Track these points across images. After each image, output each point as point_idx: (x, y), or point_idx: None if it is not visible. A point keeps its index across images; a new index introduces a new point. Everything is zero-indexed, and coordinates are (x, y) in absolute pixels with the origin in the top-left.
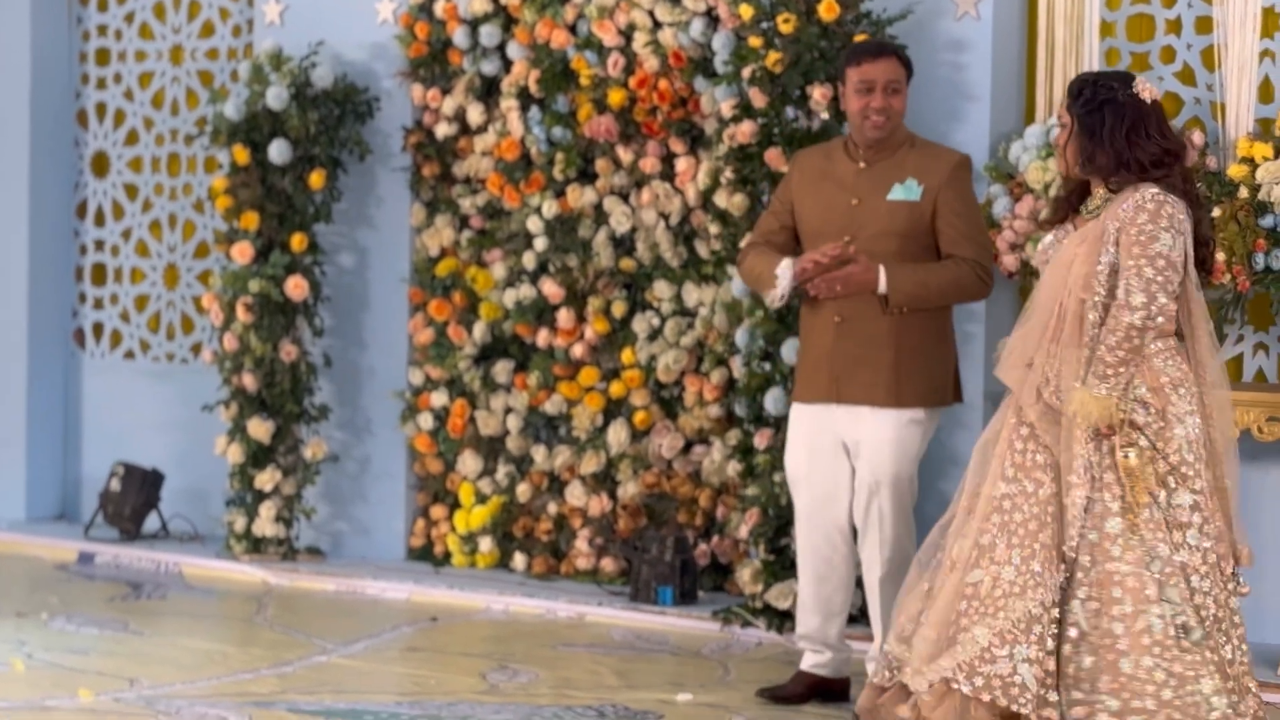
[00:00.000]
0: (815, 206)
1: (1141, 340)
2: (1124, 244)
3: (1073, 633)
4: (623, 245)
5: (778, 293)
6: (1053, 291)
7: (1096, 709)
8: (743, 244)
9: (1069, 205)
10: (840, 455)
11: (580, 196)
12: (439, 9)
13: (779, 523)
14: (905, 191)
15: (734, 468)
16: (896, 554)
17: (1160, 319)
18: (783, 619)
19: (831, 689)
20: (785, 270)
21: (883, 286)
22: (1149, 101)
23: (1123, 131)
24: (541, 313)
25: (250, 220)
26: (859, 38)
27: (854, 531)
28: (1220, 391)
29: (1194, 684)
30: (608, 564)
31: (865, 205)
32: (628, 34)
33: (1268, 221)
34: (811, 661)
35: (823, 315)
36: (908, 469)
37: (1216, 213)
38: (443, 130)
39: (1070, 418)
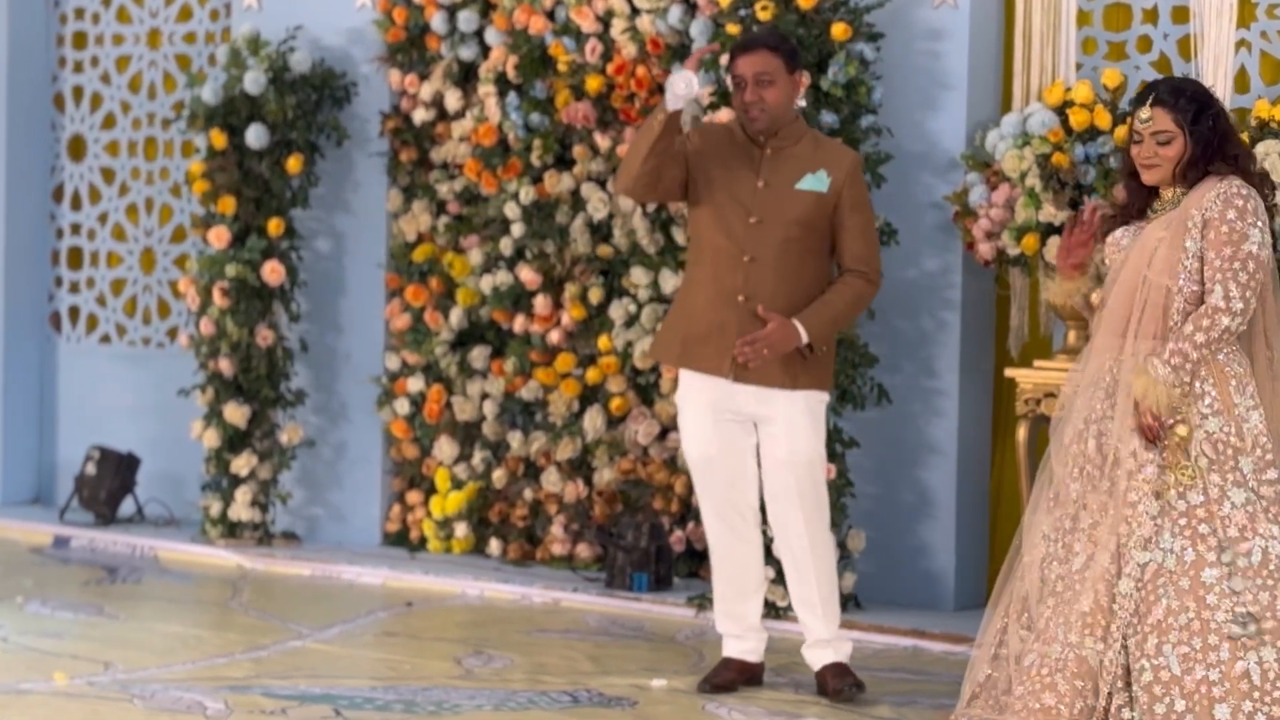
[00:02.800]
0: (716, 185)
1: (1226, 343)
2: (1213, 240)
3: (1164, 675)
4: (600, 231)
5: (682, 95)
6: (1134, 276)
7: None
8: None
9: (1135, 211)
10: (746, 433)
11: (558, 182)
12: None
13: None
14: (815, 182)
15: None
16: (822, 531)
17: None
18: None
19: (754, 673)
20: (678, 78)
21: (804, 338)
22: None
23: (1229, 137)
24: (518, 299)
25: (227, 205)
26: (837, 26)
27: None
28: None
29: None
30: (583, 550)
31: (772, 189)
32: (606, 20)
33: None
34: (737, 648)
35: (723, 291)
36: (822, 448)
37: None
38: (420, 116)
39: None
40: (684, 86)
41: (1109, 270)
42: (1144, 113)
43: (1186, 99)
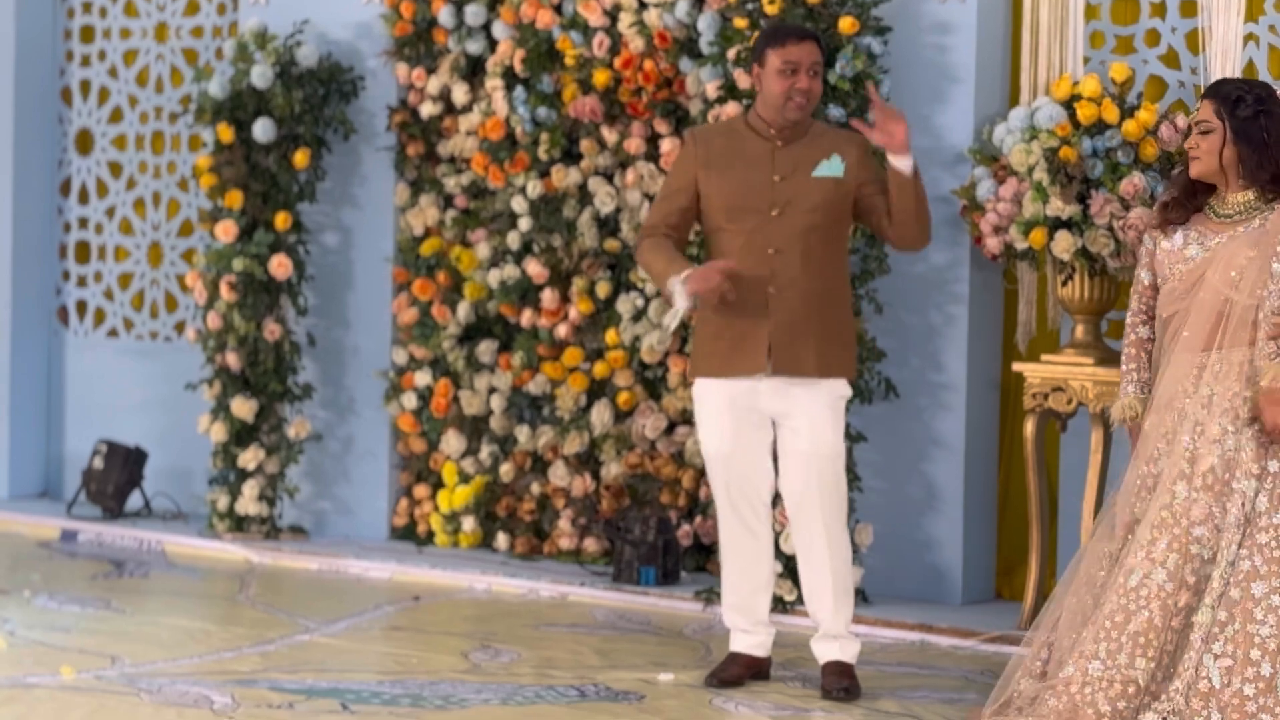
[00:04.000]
0: (730, 183)
1: None
2: None
3: (1203, 685)
4: (607, 226)
5: (675, 313)
6: (1214, 293)
7: None
8: (640, 232)
9: (1190, 207)
10: (763, 429)
11: (565, 177)
12: None
13: None
14: (830, 168)
15: None
16: (839, 526)
17: None
18: None
19: (761, 668)
20: (679, 292)
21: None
22: None
23: (1275, 134)
24: (525, 293)
25: (234, 199)
26: (844, 19)
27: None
28: None
29: None
30: (590, 544)
31: (790, 181)
32: (613, 14)
33: None
34: (745, 643)
35: (751, 288)
36: (842, 441)
37: None
38: (427, 110)
39: (1256, 401)
40: (678, 301)
41: (1169, 276)
42: (1198, 104)
43: (1231, 90)
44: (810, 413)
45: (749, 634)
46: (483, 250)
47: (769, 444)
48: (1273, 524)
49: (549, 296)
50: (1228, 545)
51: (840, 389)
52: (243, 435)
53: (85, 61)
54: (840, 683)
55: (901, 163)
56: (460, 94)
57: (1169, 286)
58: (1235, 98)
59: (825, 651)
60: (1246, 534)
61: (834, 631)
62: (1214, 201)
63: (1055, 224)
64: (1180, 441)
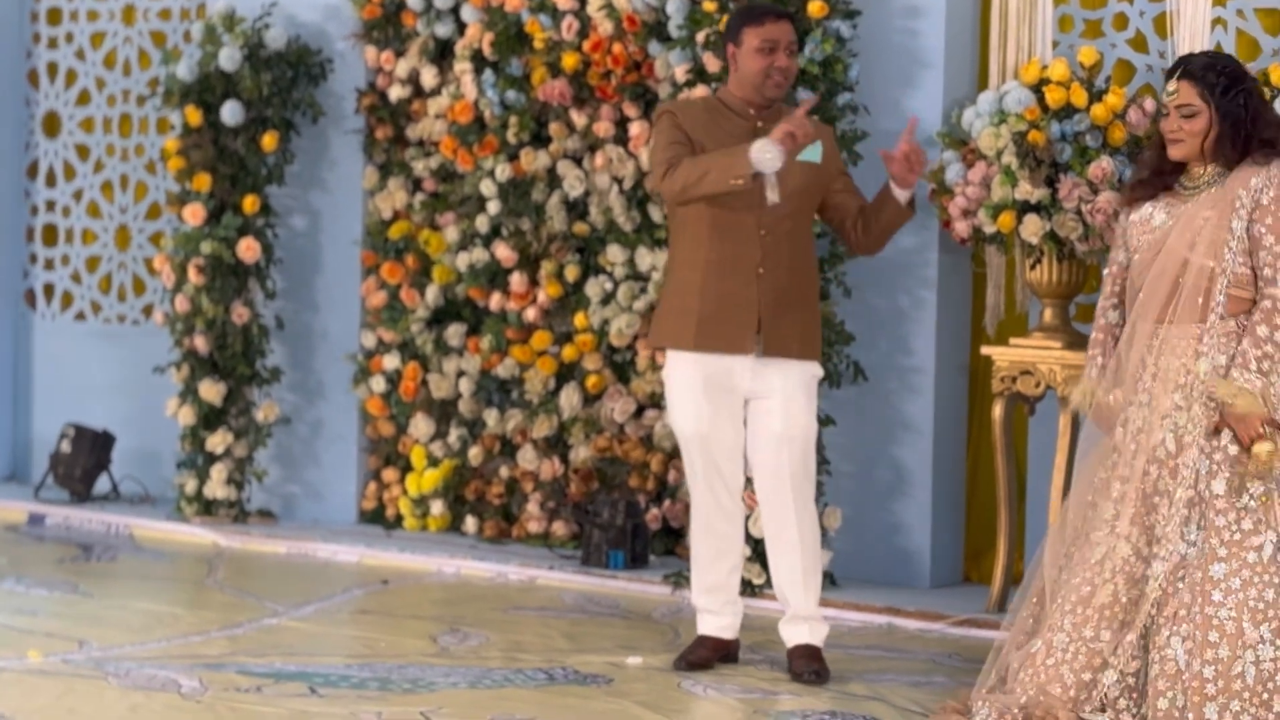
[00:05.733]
0: None
1: None
2: (1270, 225)
3: (1169, 668)
4: (576, 209)
5: (771, 170)
6: (1176, 257)
7: None
8: (659, 166)
9: (1159, 184)
10: (737, 409)
11: (533, 160)
12: None
13: None
14: (812, 153)
15: None
16: (809, 508)
17: None
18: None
19: (729, 650)
20: (769, 150)
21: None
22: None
23: (1262, 115)
24: (494, 276)
25: (202, 182)
26: (813, 3)
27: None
28: None
29: None
30: (559, 528)
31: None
32: None
33: None
34: (713, 626)
35: (741, 268)
36: (815, 423)
37: None
38: (396, 93)
39: (1213, 404)
40: (771, 159)
41: (1138, 248)
42: (1170, 86)
43: (1215, 73)
44: (785, 393)
45: (717, 616)
46: (451, 234)
47: (742, 422)
48: (1231, 505)
49: (518, 280)
50: (1171, 519)
51: (813, 370)
52: (211, 419)
53: (52, 44)
54: (810, 666)
55: (902, 194)
56: (429, 77)
57: (1138, 258)
58: (1215, 79)
59: (794, 635)
60: (1203, 514)
61: (803, 613)
62: (1182, 177)
63: (1024, 208)
64: (1138, 415)
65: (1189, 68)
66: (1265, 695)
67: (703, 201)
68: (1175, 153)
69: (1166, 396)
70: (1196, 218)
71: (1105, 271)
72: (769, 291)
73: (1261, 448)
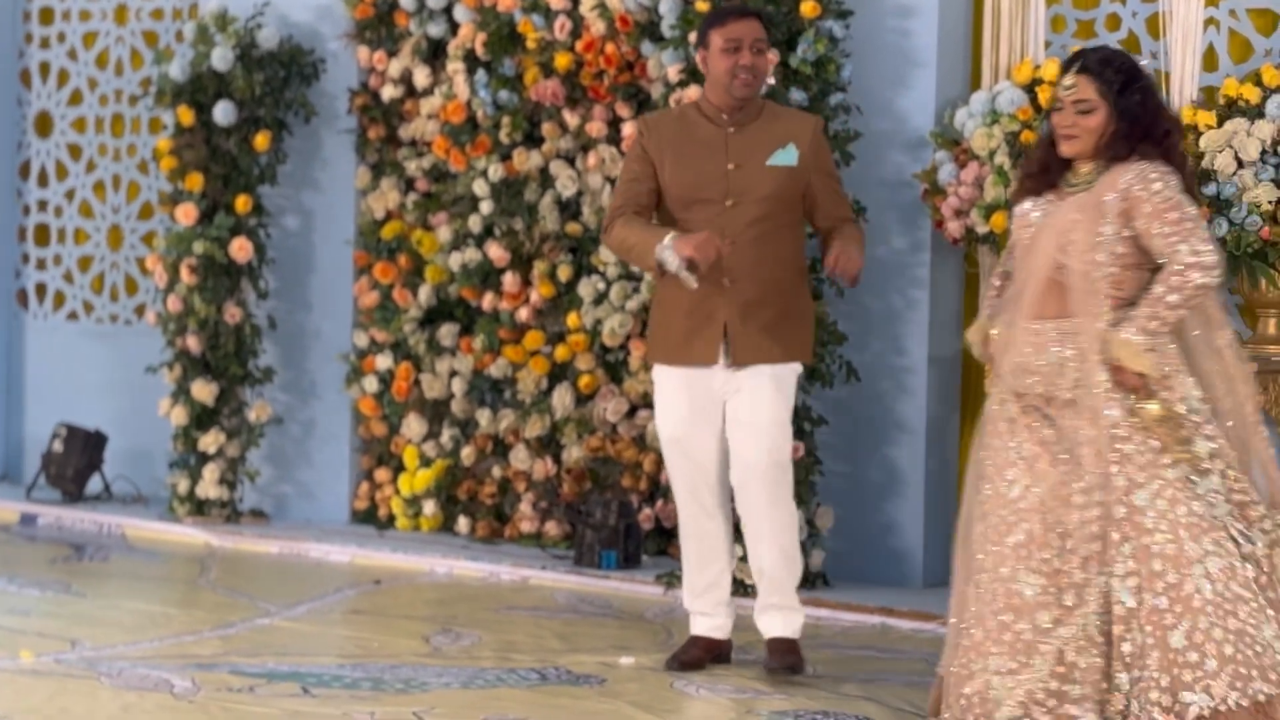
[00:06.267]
0: (685, 172)
1: (1202, 301)
2: (1151, 213)
3: (1119, 610)
4: (568, 209)
5: (677, 275)
6: (1046, 258)
7: (1149, 688)
8: (606, 216)
9: (1046, 181)
10: (718, 412)
11: (526, 160)
12: None
13: None
14: (786, 156)
15: None
16: (782, 493)
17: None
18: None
19: (722, 650)
20: (669, 252)
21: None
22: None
23: (1159, 113)
24: (487, 276)
25: (195, 182)
26: (806, 3)
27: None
28: (1235, 361)
29: (1256, 633)
30: (551, 528)
31: (744, 170)
32: None
33: (1211, 190)
34: (705, 626)
35: (709, 280)
36: (785, 414)
37: None
38: (388, 93)
39: (1110, 364)
40: (670, 260)
41: (1018, 242)
42: (1068, 79)
43: (1114, 69)
44: (754, 386)
45: (709, 617)
46: (444, 234)
47: (723, 426)
48: (1133, 428)
49: (510, 280)
50: (1084, 456)
51: (790, 367)
52: (203, 419)
53: (45, 44)
54: (785, 660)
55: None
56: (421, 77)
57: (1017, 253)
58: (1113, 76)
59: (769, 626)
60: (1111, 448)
61: (774, 601)
62: (1068, 174)
63: None
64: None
65: (1087, 62)
66: (1228, 605)
67: (671, 213)
68: (1068, 149)
69: (1052, 384)
70: (1065, 219)
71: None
72: (735, 301)
73: (1151, 408)
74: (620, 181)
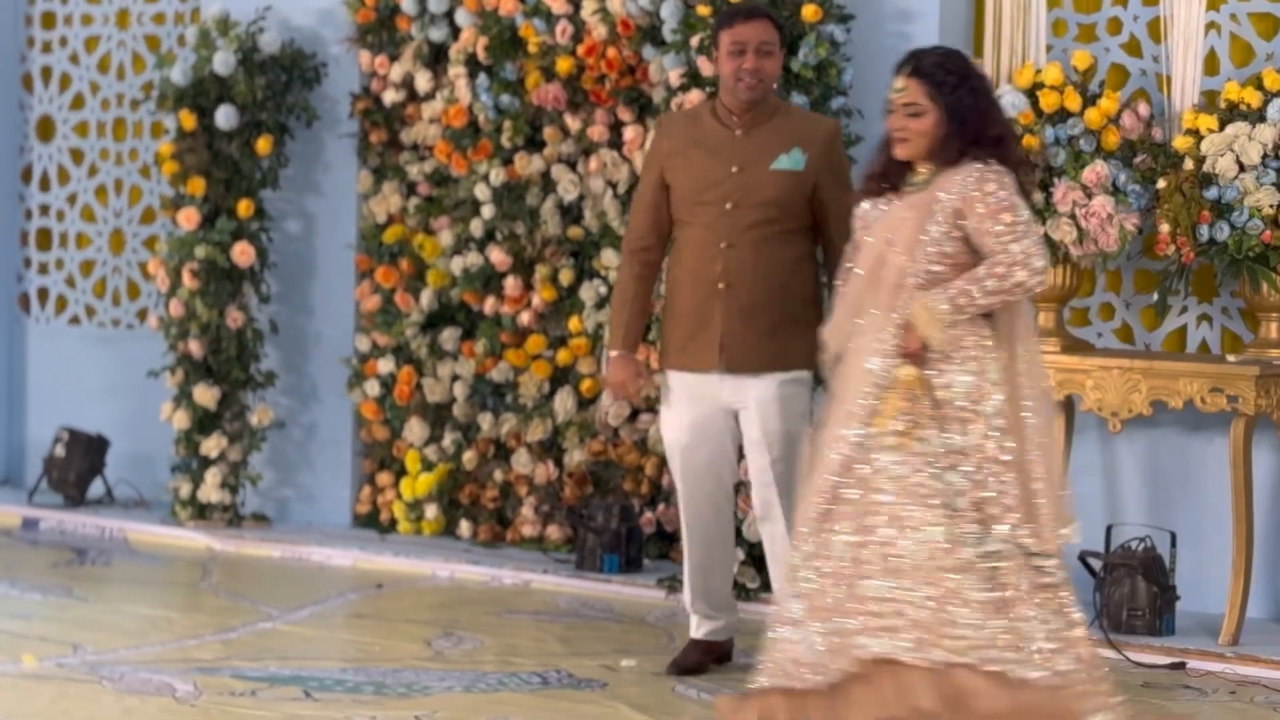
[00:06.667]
0: (689, 174)
1: (1015, 299)
2: (984, 214)
3: (829, 567)
4: (570, 213)
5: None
6: (874, 255)
7: (847, 636)
8: (626, 234)
9: (886, 183)
10: (725, 420)
11: (528, 164)
12: None
13: None
14: (790, 161)
15: None
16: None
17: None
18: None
19: (723, 653)
20: (605, 367)
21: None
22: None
23: (989, 114)
24: (489, 280)
25: (197, 186)
26: (807, 7)
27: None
28: (1036, 371)
29: (951, 609)
30: (553, 532)
31: (747, 173)
32: (576, 2)
33: (1212, 193)
34: (706, 630)
35: (703, 282)
36: (797, 426)
37: (1161, 184)
38: (390, 97)
39: (901, 326)
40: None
41: (859, 241)
42: (898, 83)
43: (945, 71)
44: (760, 401)
45: (710, 619)
46: (446, 238)
47: (731, 432)
48: (890, 397)
49: (512, 284)
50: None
51: (796, 375)
52: (205, 423)
53: (46, 48)
54: None
55: None
56: (423, 81)
57: (858, 251)
58: (943, 77)
59: None
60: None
61: None
62: (909, 175)
63: None
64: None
65: (918, 65)
66: (933, 576)
67: (677, 213)
68: (900, 151)
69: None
70: (895, 216)
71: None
72: (732, 306)
73: (908, 371)
74: (637, 191)
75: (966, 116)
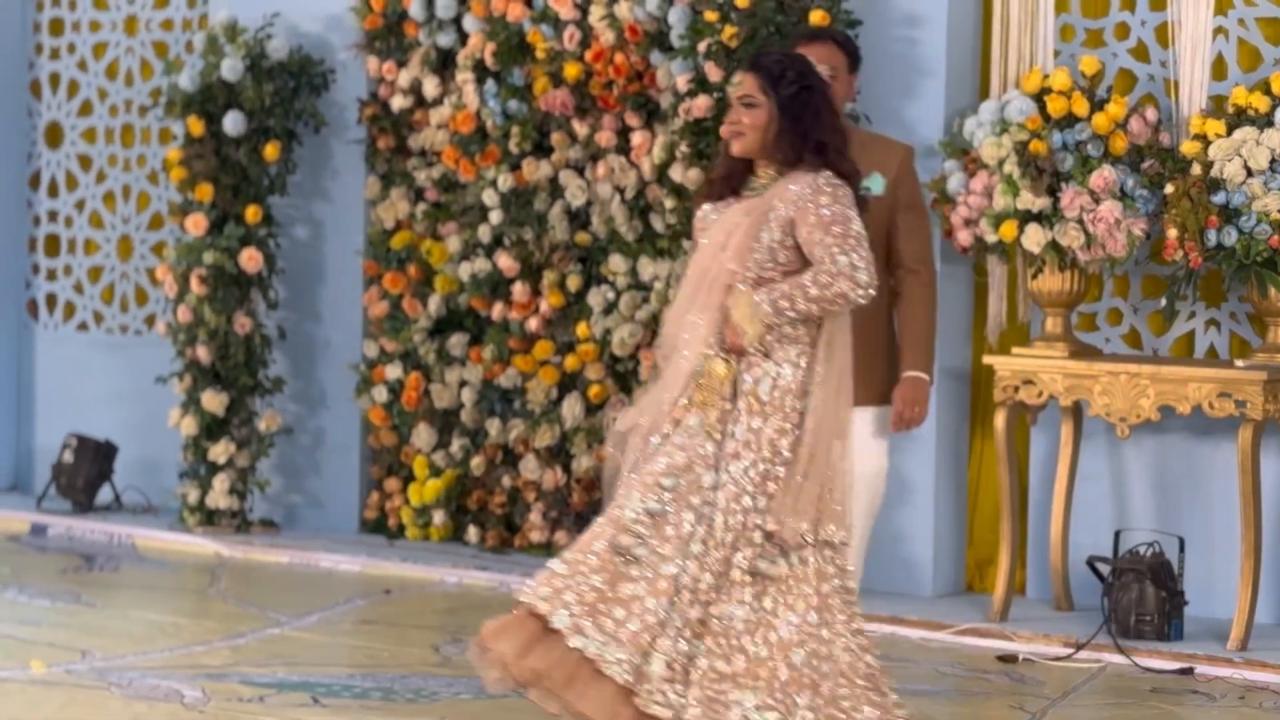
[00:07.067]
0: None
1: (837, 310)
2: (815, 224)
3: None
4: (578, 219)
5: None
6: (709, 257)
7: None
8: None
9: (728, 186)
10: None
11: (536, 170)
12: None
13: None
14: (872, 185)
15: None
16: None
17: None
18: None
19: None
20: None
21: (927, 379)
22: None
23: (822, 117)
24: (496, 286)
25: (205, 192)
26: (815, 12)
27: None
28: (846, 383)
29: (634, 605)
30: (561, 537)
31: None
32: (584, 7)
33: (1220, 198)
34: None
35: None
36: (885, 462)
37: (1169, 189)
38: (398, 103)
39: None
40: None
41: (698, 241)
42: (736, 78)
43: (781, 69)
44: (857, 433)
45: None
46: (453, 243)
47: None
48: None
49: (520, 289)
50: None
51: (882, 411)
52: (213, 429)
53: (55, 54)
54: None
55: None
56: (431, 87)
57: (695, 249)
58: (779, 73)
59: None
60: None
61: None
62: (750, 178)
63: (1026, 217)
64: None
65: (754, 62)
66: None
67: None
68: (736, 147)
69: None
70: (731, 220)
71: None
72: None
73: (717, 366)
74: None
75: (799, 114)
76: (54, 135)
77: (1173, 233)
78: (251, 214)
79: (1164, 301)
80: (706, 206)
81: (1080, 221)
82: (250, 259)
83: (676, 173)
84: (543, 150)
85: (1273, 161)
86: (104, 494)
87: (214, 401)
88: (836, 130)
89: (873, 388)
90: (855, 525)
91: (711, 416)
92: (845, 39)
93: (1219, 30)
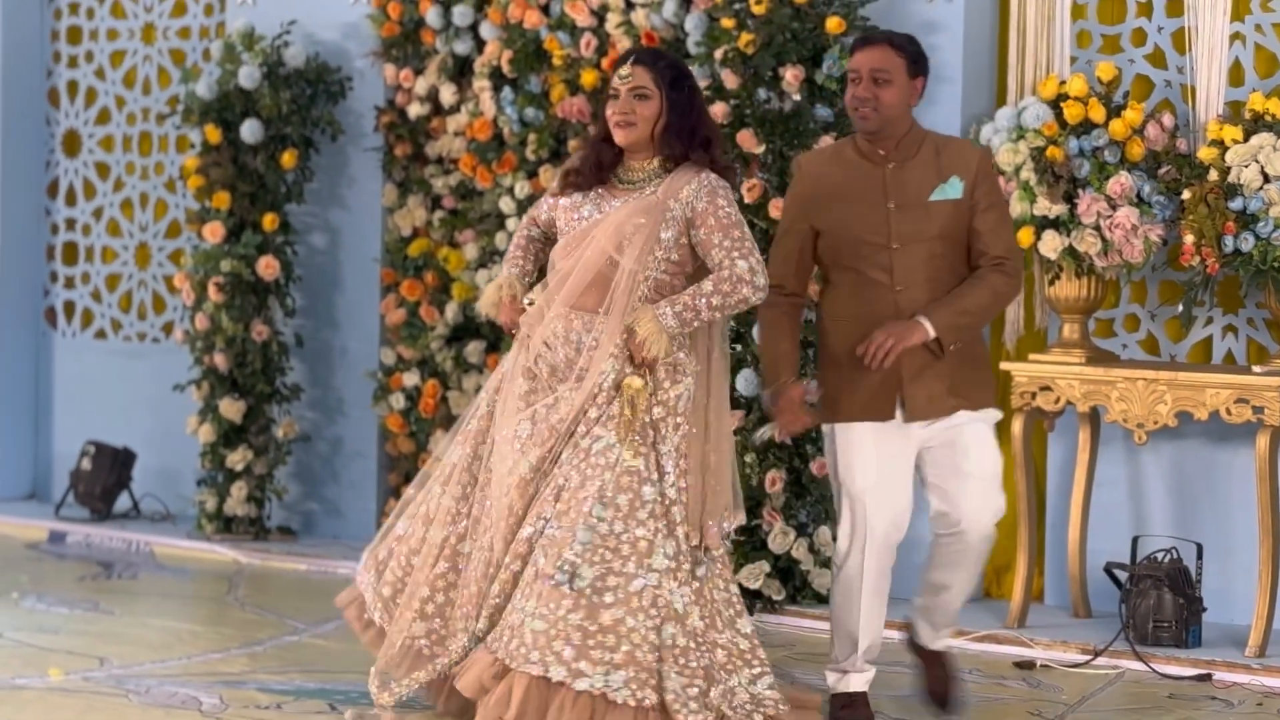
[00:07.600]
0: (847, 215)
1: (735, 313)
2: (714, 226)
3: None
4: None
5: (767, 428)
6: (600, 253)
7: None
8: (763, 276)
9: (598, 177)
10: (910, 468)
11: (552, 177)
12: None
13: (748, 504)
14: (948, 190)
15: None
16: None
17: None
18: (752, 600)
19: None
20: (768, 403)
21: (931, 332)
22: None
23: (706, 115)
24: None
25: (222, 200)
26: (831, 19)
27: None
28: (724, 380)
29: (534, 620)
30: None
31: (905, 209)
32: (600, 15)
33: (1237, 204)
34: (867, 679)
35: (875, 326)
36: (1000, 466)
37: (1186, 195)
38: (415, 110)
39: (625, 342)
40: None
41: (566, 231)
42: (624, 70)
43: (667, 64)
44: (975, 433)
45: (864, 673)
46: (470, 251)
47: (912, 482)
48: (610, 401)
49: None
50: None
51: (993, 413)
52: (231, 436)
53: (72, 63)
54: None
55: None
56: (448, 94)
57: (563, 240)
58: (666, 70)
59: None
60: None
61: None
62: (619, 169)
63: (1043, 223)
64: (555, 385)
65: (641, 56)
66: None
67: (835, 258)
68: (624, 136)
69: (568, 369)
70: (628, 222)
71: (525, 216)
72: (911, 356)
73: (633, 382)
74: (776, 238)
75: (684, 110)
76: (72, 143)
77: (1190, 239)
78: (269, 221)
79: (1181, 307)
80: (577, 196)
81: (1097, 228)
82: (268, 266)
83: None
84: (559, 157)
85: None
86: (122, 501)
87: (231, 409)
88: (714, 126)
89: (970, 396)
90: (987, 526)
91: (632, 432)
92: (905, 42)
93: (1236, 36)
